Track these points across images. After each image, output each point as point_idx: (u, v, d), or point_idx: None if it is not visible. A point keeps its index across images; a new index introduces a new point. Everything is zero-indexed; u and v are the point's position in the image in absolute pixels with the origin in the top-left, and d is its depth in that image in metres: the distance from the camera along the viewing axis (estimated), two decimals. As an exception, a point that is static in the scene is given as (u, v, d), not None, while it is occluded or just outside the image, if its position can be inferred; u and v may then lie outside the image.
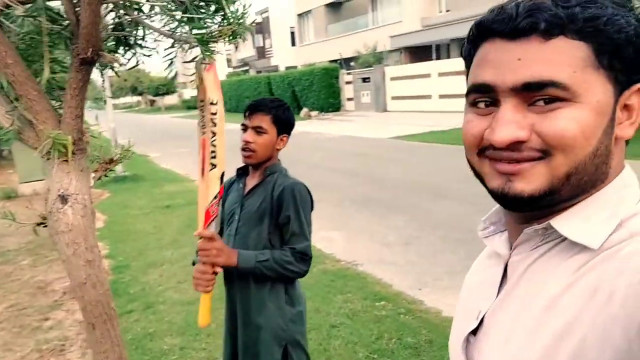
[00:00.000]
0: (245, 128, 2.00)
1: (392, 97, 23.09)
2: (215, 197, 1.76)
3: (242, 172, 2.14)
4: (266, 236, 1.97)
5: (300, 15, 34.20)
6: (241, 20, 1.49)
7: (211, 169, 1.73)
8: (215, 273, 1.85)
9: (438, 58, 23.38)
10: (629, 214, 0.61)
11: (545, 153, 0.60)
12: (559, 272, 0.62)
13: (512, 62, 0.60)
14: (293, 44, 36.19)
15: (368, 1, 28.60)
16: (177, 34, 1.44)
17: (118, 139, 10.85)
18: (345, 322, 3.82)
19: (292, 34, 36.22)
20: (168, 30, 1.41)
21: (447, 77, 19.77)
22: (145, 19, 1.56)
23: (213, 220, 1.79)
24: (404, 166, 10.26)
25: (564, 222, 0.63)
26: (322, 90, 25.72)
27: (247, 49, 41.40)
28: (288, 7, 35.29)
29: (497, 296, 0.71)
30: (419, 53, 24.09)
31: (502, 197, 0.64)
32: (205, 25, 1.49)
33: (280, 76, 29.39)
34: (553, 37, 0.59)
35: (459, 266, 4.83)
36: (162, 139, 20.20)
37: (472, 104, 0.66)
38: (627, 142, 0.65)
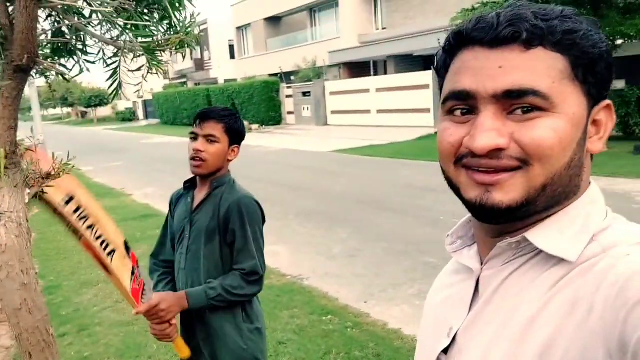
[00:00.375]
0: (195, 137, 1.91)
1: (332, 111, 23.36)
2: (133, 272, 1.66)
3: (189, 185, 2.04)
4: (218, 254, 1.89)
5: (239, 28, 34.04)
6: (189, 29, 1.44)
7: (112, 258, 1.57)
8: (171, 324, 1.81)
9: (376, 74, 23.93)
10: (599, 228, 0.62)
11: (523, 162, 0.59)
12: (535, 287, 0.61)
13: (493, 69, 0.60)
14: (232, 56, 35.91)
15: (307, 17, 28.92)
16: (121, 41, 1.36)
17: (48, 153, 10.27)
18: (293, 338, 3.76)
19: (231, 47, 35.95)
20: (111, 38, 1.33)
21: (384, 93, 20.24)
22: (87, 25, 1.48)
23: (143, 290, 1.71)
24: (346, 179, 10.36)
25: (539, 235, 0.62)
26: (263, 103, 25.65)
27: (184, 61, 40.66)
28: (227, 20, 35.04)
29: (468, 312, 0.69)
30: (358, 69, 24.56)
31: (479, 208, 0.62)
32: (151, 34, 1.42)
33: (219, 89, 29.07)
34: (533, 47, 0.59)
35: (403, 278, 4.89)
36: (95, 152, 19.37)
37: (449, 112, 0.65)
38: (591, 157, 0.66)
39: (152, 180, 11.87)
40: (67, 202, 1.44)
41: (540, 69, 0.58)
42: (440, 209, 7.38)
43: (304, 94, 24.65)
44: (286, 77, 26.81)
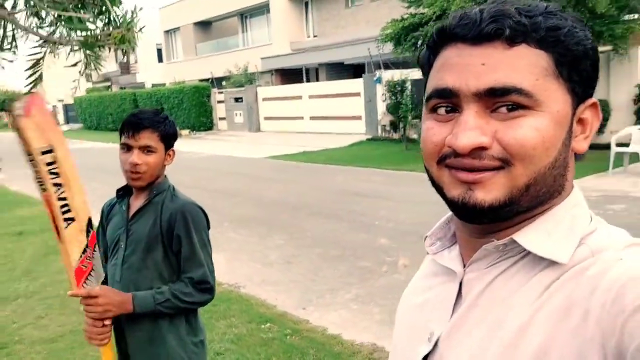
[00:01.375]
0: (127, 147, 1.79)
1: (265, 117, 23.24)
2: (85, 251, 1.55)
3: (123, 193, 1.93)
4: (161, 264, 1.80)
5: (167, 32, 33.15)
6: (130, 25, 1.36)
7: (68, 225, 1.49)
8: (105, 325, 1.67)
9: (308, 81, 24.11)
10: (586, 231, 0.61)
11: (505, 162, 0.59)
12: (525, 291, 0.60)
13: (476, 66, 0.59)
14: (160, 60, 34.88)
15: (238, 22, 28.67)
16: (56, 35, 1.26)
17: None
18: (231, 347, 3.66)
19: (159, 50, 34.92)
20: (46, 30, 1.23)
21: (317, 100, 20.41)
22: (10, 15, 1.36)
23: (89, 275, 1.59)
24: (281, 186, 10.31)
25: (528, 237, 0.61)
26: (193, 108, 25.07)
27: (109, 64, 38.94)
28: (154, 23, 34.05)
29: (451, 317, 0.66)
30: (290, 75, 24.63)
31: (461, 207, 0.61)
32: (87, 28, 1.33)
33: (147, 93, 28.09)
34: (516, 44, 0.58)
35: (340, 283, 4.92)
36: (9, 158, 18.08)
37: (432, 110, 0.64)
38: (577, 157, 0.66)
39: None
40: (45, 152, 1.39)
41: (523, 66, 0.58)
42: (374, 214, 7.51)
43: (236, 99, 24.36)
44: (217, 82, 26.39)
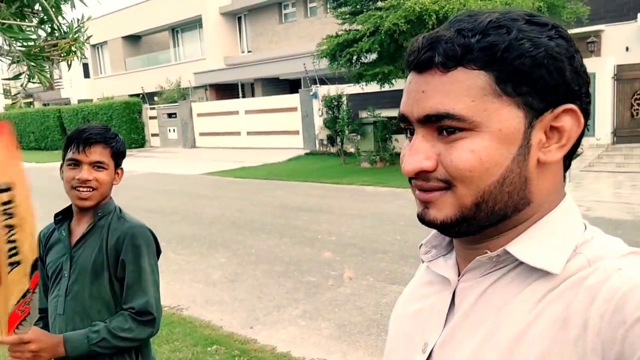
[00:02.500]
0: (76, 163, 1.65)
1: (201, 133, 22.81)
2: (25, 295, 1.42)
3: (62, 217, 1.78)
4: (108, 293, 1.66)
5: (94, 46, 31.93)
6: (77, 35, 1.27)
7: (12, 270, 1.37)
8: None
9: (244, 96, 23.96)
10: (581, 240, 0.61)
11: (448, 184, 0.61)
12: (520, 300, 0.59)
13: (418, 94, 0.61)
14: (87, 76, 33.47)
15: (169, 36, 28.10)
16: (-7, 45, 1.16)
17: None
18: (177, 373, 3.50)
19: (85, 65, 33.53)
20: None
21: (254, 115, 20.31)
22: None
23: (24, 320, 1.45)
24: (220, 202, 10.11)
25: (521, 247, 0.61)
26: (123, 125, 24.17)
27: (33, 83, 36.77)
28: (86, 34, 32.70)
29: (444, 326, 0.66)
30: (225, 90, 24.38)
31: (422, 223, 0.65)
32: (29, 37, 1.23)
33: (73, 109, 26.80)
34: (451, 69, 0.59)
35: (286, 299, 4.85)
36: None
37: (405, 132, 0.67)
38: (566, 163, 0.64)
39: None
40: (2, 191, 1.27)
41: (458, 90, 0.58)
42: (317, 228, 7.51)
43: (170, 115, 23.77)
44: (149, 97, 25.65)
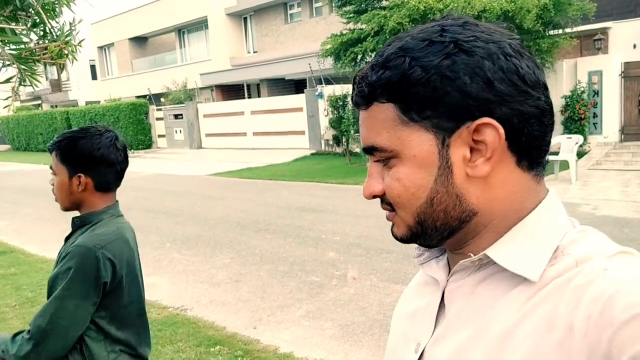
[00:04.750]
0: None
1: (207, 134, 22.88)
2: None
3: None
4: None
5: (100, 48, 32.12)
6: (69, 38, 1.28)
7: None
8: None
9: (250, 96, 24.00)
10: (568, 240, 0.61)
11: (392, 207, 0.66)
12: (508, 301, 0.60)
13: (361, 128, 0.67)
14: (94, 77, 33.67)
15: (175, 38, 28.21)
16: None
17: None
18: (179, 374, 3.51)
19: (93, 67, 33.71)
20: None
21: (260, 115, 20.34)
22: None
23: None
24: (225, 203, 10.13)
25: (500, 252, 0.62)
26: (130, 126, 24.30)
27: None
28: (86, 38, 32.85)
29: (434, 326, 0.68)
30: (231, 91, 24.44)
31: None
32: (21, 41, 1.24)
33: (80, 111, 26.98)
34: (369, 105, 0.64)
35: (290, 299, 4.85)
36: None
37: None
38: (533, 166, 0.63)
39: (3, 212, 10.54)
40: None
41: (377, 123, 0.63)
42: (321, 228, 7.51)
43: (176, 116, 23.85)
44: (155, 99, 25.76)
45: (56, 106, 33.81)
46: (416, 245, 0.74)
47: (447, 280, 0.68)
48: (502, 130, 0.59)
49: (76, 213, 1.68)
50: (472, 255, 0.64)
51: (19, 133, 31.36)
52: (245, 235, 7.41)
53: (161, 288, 5.39)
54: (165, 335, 4.13)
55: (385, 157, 0.64)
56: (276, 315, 4.51)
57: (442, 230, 0.64)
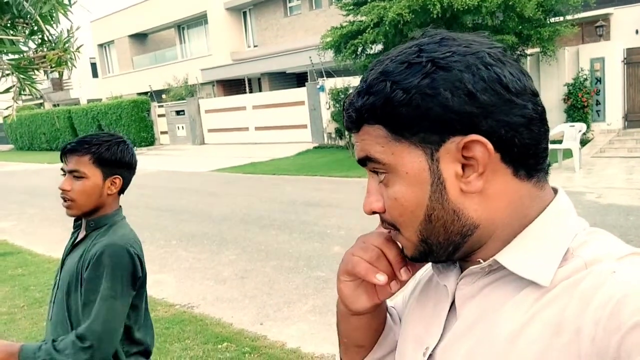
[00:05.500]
0: (64, 173, 1.67)
1: (209, 129, 22.89)
2: None
3: (80, 223, 1.78)
4: (79, 309, 1.60)
5: (101, 45, 32.09)
6: (67, 45, 1.27)
7: None
8: None
9: (251, 91, 23.96)
10: (577, 242, 0.61)
11: (394, 227, 0.67)
12: (516, 302, 0.60)
13: (355, 145, 0.69)
14: (95, 75, 33.67)
15: (175, 34, 28.15)
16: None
17: None
18: (188, 372, 3.53)
19: (93, 65, 33.70)
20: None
21: (261, 110, 20.33)
22: None
23: None
24: (229, 199, 10.15)
25: (510, 257, 0.62)
26: (132, 124, 24.33)
27: (40, 81, 37.03)
28: (86, 36, 32.82)
29: (443, 330, 0.68)
30: (232, 86, 24.41)
31: None
32: (20, 50, 1.24)
33: (82, 109, 27.01)
34: (360, 128, 0.66)
35: (296, 295, 4.87)
36: None
37: None
38: (532, 174, 0.63)
39: (9, 213, 10.59)
40: None
41: (370, 139, 0.65)
42: (326, 222, 7.52)
43: (178, 112, 23.86)
44: (157, 95, 25.75)
45: (58, 105, 33.85)
46: None
47: (457, 284, 0.68)
48: (490, 146, 0.59)
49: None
50: (481, 261, 0.64)
51: (22, 133, 31.44)
52: (251, 231, 7.42)
53: (168, 286, 5.42)
54: (172, 333, 4.16)
55: (379, 169, 0.65)
56: (283, 311, 4.53)
57: (446, 246, 0.65)
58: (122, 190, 1.75)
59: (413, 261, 0.69)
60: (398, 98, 0.61)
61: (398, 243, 0.69)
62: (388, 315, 0.84)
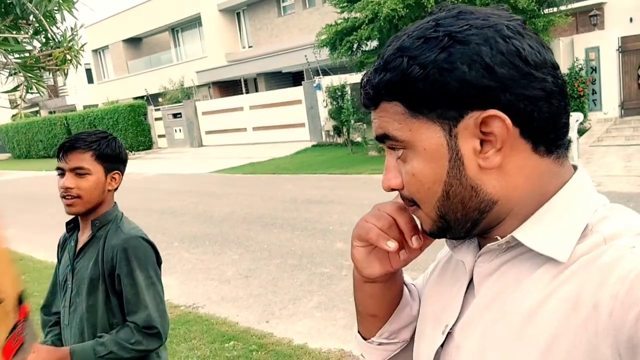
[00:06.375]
0: (62, 172, 1.65)
1: (207, 131, 22.86)
2: (14, 329, 1.39)
3: (73, 226, 1.78)
4: (103, 307, 1.63)
5: (95, 51, 32.02)
6: (72, 43, 1.28)
7: None
8: None
9: (247, 92, 23.93)
10: (597, 218, 0.60)
11: (414, 202, 0.67)
12: (532, 281, 0.60)
13: (373, 122, 0.69)
14: (90, 81, 33.61)
15: (169, 37, 28.10)
16: (-11, 58, 1.17)
17: None
18: (196, 371, 3.54)
19: (88, 70, 33.64)
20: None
21: (259, 110, 20.31)
22: None
23: (19, 349, 1.43)
24: (230, 199, 10.15)
25: (528, 234, 0.61)
26: (130, 128, 24.30)
27: (32, 94, 36.88)
28: (82, 41, 32.70)
29: (461, 308, 0.68)
30: (228, 87, 24.38)
31: None
32: (24, 49, 1.24)
33: (79, 115, 26.96)
34: (377, 105, 0.66)
35: (300, 292, 4.88)
36: None
37: None
38: (551, 150, 0.62)
39: (10, 221, 10.58)
40: None
41: (387, 117, 0.65)
42: (328, 219, 7.52)
43: (175, 115, 23.83)
44: (153, 99, 25.72)
45: (54, 112, 33.78)
46: None
47: (475, 262, 0.68)
48: (508, 121, 0.59)
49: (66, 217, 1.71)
50: (499, 238, 0.63)
51: (19, 141, 31.37)
52: (253, 230, 7.43)
53: (172, 287, 5.42)
54: (179, 334, 4.16)
55: (397, 146, 0.65)
56: (288, 309, 4.53)
57: (464, 222, 0.64)
58: (118, 187, 1.76)
59: (431, 237, 0.69)
60: (415, 74, 0.60)
61: (415, 217, 0.70)
62: (407, 290, 0.84)
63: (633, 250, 0.54)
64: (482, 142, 0.61)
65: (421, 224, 0.69)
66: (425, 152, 0.62)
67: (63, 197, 1.64)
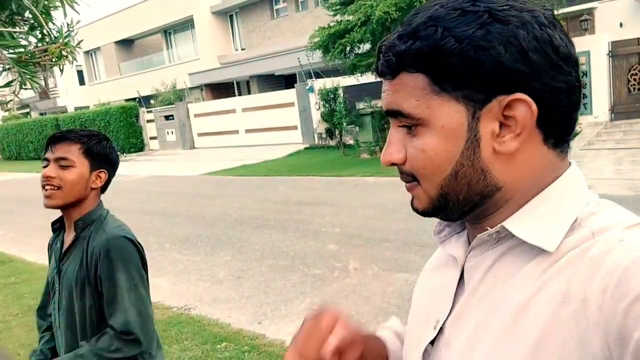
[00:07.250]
0: (46, 162, 1.60)
1: (199, 133, 22.80)
2: None
3: (59, 226, 1.73)
4: (94, 310, 1.58)
5: (87, 52, 31.86)
6: (67, 39, 1.28)
7: None
8: None
9: (240, 94, 23.90)
10: (586, 212, 0.60)
11: (415, 178, 0.65)
12: (524, 274, 0.59)
13: (384, 93, 0.65)
14: (82, 83, 33.41)
15: (162, 39, 28.02)
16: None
17: None
18: (188, 372, 3.53)
19: (80, 72, 33.44)
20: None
21: (251, 112, 20.29)
22: None
23: None
24: (221, 201, 10.13)
25: (518, 224, 0.61)
26: (121, 130, 24.17)
27: (25, 90, 36.58)
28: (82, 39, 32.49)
29: (453, 303, 0.67)
30: (221, 89, 24.34)
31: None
32: (19, 44, 1.24)
33: (70, 117, 26.78)
34: (396, 75, 0.62)
35: (292, 293, 4.87)
36: None
37: None
38: (558, 144, 0.62)
39: (0, 222, 10.50)
40: None
41: (404, 91, 0.62)
42: (320, 221, 7.53)
43: (167, 117, 23.75)
44: (145, 101, 25.61)
45: (45, 113, 33.54)
46: (438, 221, 0.73)
47: (466, 257, 0.67)
48: (534, 107, 0.58)
49: (56, 212, 1.66)
50: (489, 229, 0.62)
51: (8, 142, 31.10)
52: (245, 232, 7.42)
53: (163, 289, 5.39)
54: (170, 335, 4.15)
55: (410, 124, 0.62)
56: (280, 310, 4.53)
57: (464, 204, 0.63)
58: (104, 189, 1.71)
59: (424, 215, 0.67)
60: (449, 46, 0.57)
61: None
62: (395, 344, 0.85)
63: (621, 243, 0.53)
64: (501, 125, 0.60)
65: (412, 202, 0.67)
66: (442, 130, 0.60)
67: (43, 187, 1.58)
